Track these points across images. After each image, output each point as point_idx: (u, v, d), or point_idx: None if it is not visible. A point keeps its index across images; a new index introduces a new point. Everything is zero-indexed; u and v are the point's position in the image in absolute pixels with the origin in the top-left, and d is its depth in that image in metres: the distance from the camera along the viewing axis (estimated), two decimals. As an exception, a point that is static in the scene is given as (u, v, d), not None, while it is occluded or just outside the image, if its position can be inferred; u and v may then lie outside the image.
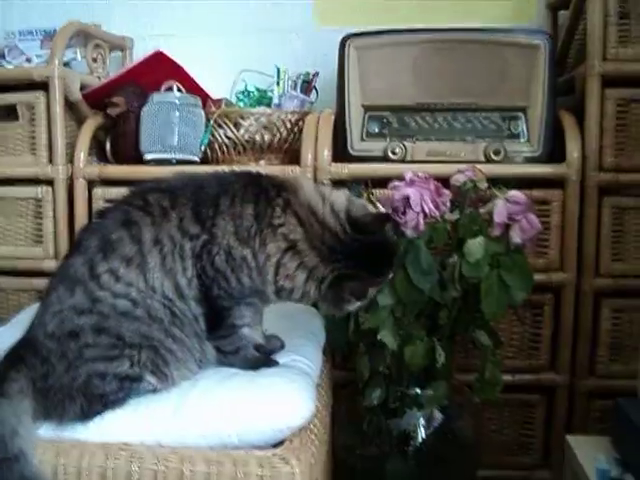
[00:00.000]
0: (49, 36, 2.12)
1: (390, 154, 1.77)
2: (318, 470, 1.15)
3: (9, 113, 1.91)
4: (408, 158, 1.78)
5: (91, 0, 2.25)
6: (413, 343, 1.41)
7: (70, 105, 1.92)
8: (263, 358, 1.28)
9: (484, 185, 1.48)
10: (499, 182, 1.43)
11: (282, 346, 1.36)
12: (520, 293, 1.37)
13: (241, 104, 2.07)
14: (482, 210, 1.42)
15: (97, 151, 2.02)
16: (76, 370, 1.12)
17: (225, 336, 1.24)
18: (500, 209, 1.35)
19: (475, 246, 1.36)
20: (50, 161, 1.89)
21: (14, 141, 1.91)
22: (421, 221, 1.32)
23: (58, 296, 1.16)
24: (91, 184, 1.89)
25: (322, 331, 1.53)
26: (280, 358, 1.30)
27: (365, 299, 1.20)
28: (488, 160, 1.74)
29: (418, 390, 1.50)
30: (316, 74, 2.02)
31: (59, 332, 1.14)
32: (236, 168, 1.33)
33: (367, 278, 1.19)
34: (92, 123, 1.93)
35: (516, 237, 1.36)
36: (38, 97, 1.86)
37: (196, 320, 1.20)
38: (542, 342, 1.77)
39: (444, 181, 1.46)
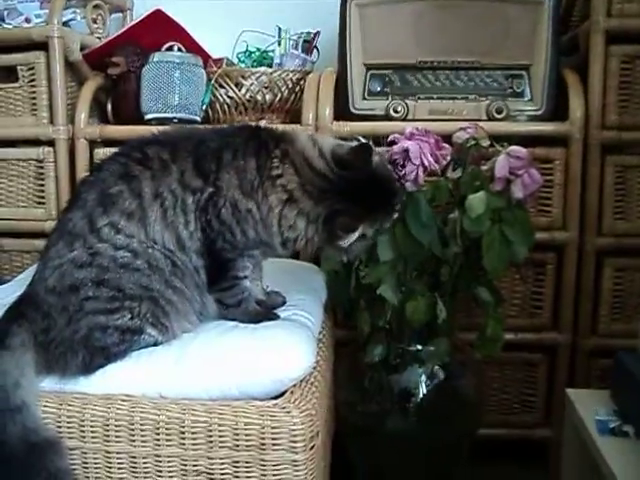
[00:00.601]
0: (48, -3, 2.11)
1: (392, 112, 1.76)
2: (319, 423, 1.15)
3: (9, 74, 1.90)
4: (410, 117, 1.76)
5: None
6: (414, 299, 1.41)
7: (70, 65, 1.91)
8: (264, 311, 1.29)
9: (486, 143, 1.47)
10: (501, 140, 1.42)
11: (283, 302, 1.37)
12: (522, 249, 1.37)
13: (242, 64, 2.05)
14: (484, 167, 1.41)
15: (98, 112, 2.01)
16: (77, 323, 1.13)
17: (227, 288, 1.24)
18: (501, 163, 1.34)
19: (476, 201, 1.35)
20: (51, 122, 1.88)
21: (14, 102, 1.90)
22: (420, 174, 1.31)
23: (57, 250, 1.16)
24: (92, 144, 1.88)
25: (324, 287, 1.53)
26: (281, 313, 1.31)
27: (354, 232, 1.17)
28: (490, 118, 1.72)
29: (419, 347, 1.51)
30: (317, 33, 2.00)
31: (59, 286, 1.14)
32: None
33: (357, 212, 1.18)
34: (92, 84, 1.92)
35: (518, 192, 1.35)
36: (38, 57, 1.84)
37: (197, 272, 1.21)
38: (544, 301, 1.77)
39: (446, 139, 1.45)
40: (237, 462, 1.08)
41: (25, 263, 1.94)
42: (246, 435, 1.07)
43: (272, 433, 1.06)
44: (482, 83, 1.77)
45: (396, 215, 1.27)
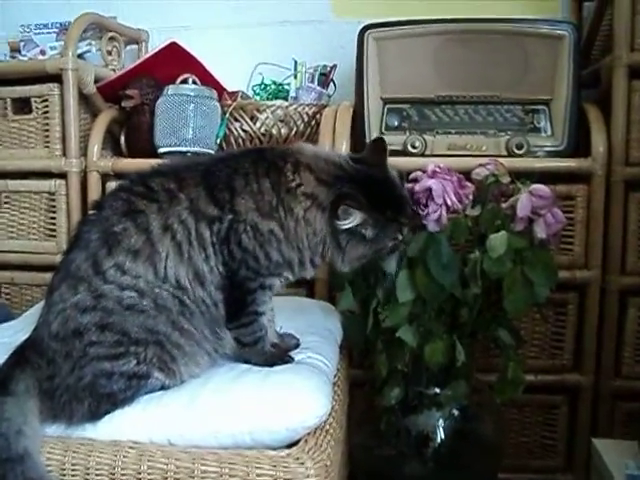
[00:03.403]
0: (64, 29, 2.10)
1: (410, 148, 1.73)
2: (334, 471, 1.11)
3: (23, 106, 1.89)
4: (428, 152, 1.73)
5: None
6: (433, 341, 1.37)
7: (84, 98, 1.89)
8: (279, 354, 1.25)
9: (506, 179, 1.43)
10: (522, 176, 1.39)
11: (297, 344, 1.32)
12: (544, 290, 1.33)
13: (257, 97, 2.03)
14: (504, 204, 1.37)
15: (111, 144, 1.99)
16: (82, 370, 1.09)
17: (246, 324, 1.21)
18: (524, 203, 1.30)
19: (497, 241, 1.31)
20: (64, 154, 1.86)
21: (28, 134, 1.89)
22: (444, 214, 1.27)
23: (61, 294, 1.12)
24: (105, 177, 1.86)
25: (339, 328, 1.49)
26: (296, 355, 1.27)
27: (352, 216, 1.13)
28: (510, 154, 1.69)
29: (437, 390, 1.46)
30: (334, 67, 1.98)
31: (63, 331, 1.11)
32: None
33: (361, 200, 1.14)
34: (106, 116, 1.90)
35: (540, 232, 1.31)
36: (52, 89, 1.83)
37: (215, 306, 1.17)
38: (566, 342, 1.71)
39: (465, 175, 1.42)
40: (248, 515, 1.03)
41: (35, 297, 1.91)
42: (258, 487, 1.02)
43: (285, 485, 1.01)
44: (501, 118, 1.74)
45: (400, 237, 1.21)
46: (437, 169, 1.29)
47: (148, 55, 1.89)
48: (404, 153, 1.73)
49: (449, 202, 1.26)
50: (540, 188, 1.31)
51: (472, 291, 1.35)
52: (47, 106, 1.85)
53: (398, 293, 1.31)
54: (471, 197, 1.34)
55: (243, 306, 1.19)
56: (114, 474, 1.06)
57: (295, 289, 1.73)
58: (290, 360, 1.23)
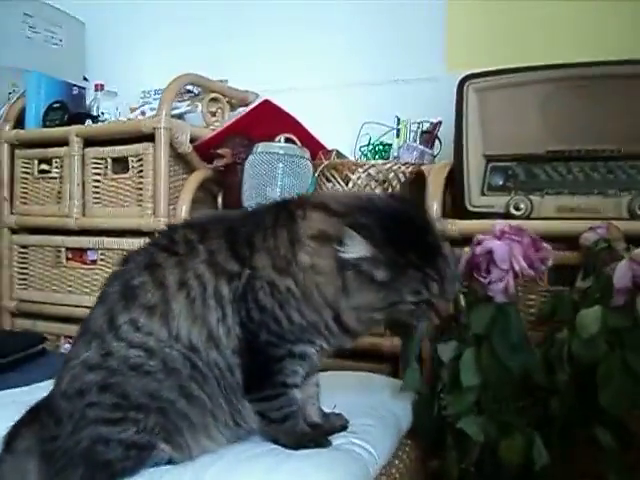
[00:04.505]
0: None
1: (513, 210, 1.50)
2: None
3: (122, 166, 1.91)
4: (534, 215, 1.50)
5: (218, 57, 2.24)
6: (511, 436, 1.13)
7: (181, 157, 1.88)
8: (313, 435, 1.07)
9: (621, 245, 1.20)
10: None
11: (343, 427, 1.13)
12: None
13: (364, 158, 1.93)
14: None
15: (209, 203, 1.96)
16: (79, 433, 0.99)
17: (271, 397, 1.04)
18: (622, 271, 1.06)
19: (589, 317, 1.07)
20: (154, 213, 1.85)
21: (124, 192, 1.91)
22: (511, 282, 1.06)
23: (76, 350, 1.04)
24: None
25: (407, 413, 1.28)
26: (335, 439, 1.08)
27: (356, 246, 0.94)
28: (633, 217, 1.42)
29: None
30: (439, 123, 1.82)
31: (70, 390, 1.01)
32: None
33: (374, 234, 0.95)
34: (198, 175, 1.87)
35: (645, 308, 1.05)
36: (146, 148, 1.84)
37: (230, 371, 1.02)
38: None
39: (573, 241, 1.20)
40: None
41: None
42: None
43: None
44: (624, 175, 1.48)
45: (425, 295, 0.98)
46: (506, 229, 1.08)
47: (241, 114, 1.85)
48: (506, 216, 1.51)
49: (517, 267, 1.04)
50: (643, 253, 1.06)
51: (560, 378, 1.12)
52: (142, 165, 1.86)
53: (462, 375, 1.10)
54: (549, 263, 1.10)
55: (268, 375, 1.03)
56: None
57: (378, 365, 1.55)
58: (325, 444, 1.05)
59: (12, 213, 2.12)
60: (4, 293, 2.11)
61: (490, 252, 1.05)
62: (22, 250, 2.10)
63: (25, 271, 2.09)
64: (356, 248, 0.95)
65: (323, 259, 0.98)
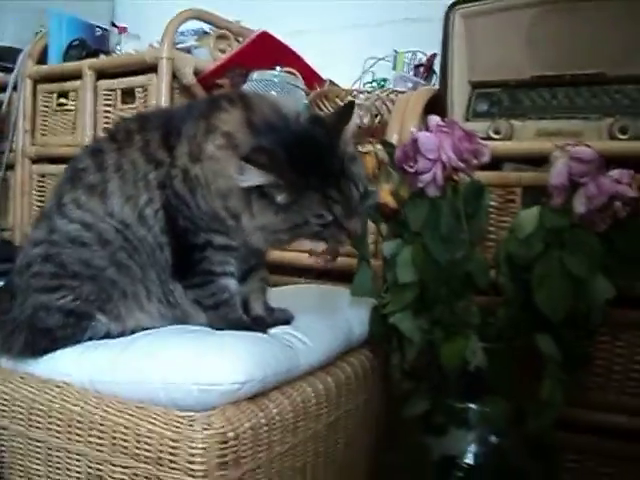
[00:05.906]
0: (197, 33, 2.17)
1: (492, 133, 1.50)
2: (244, 448, 0.92)
3: (130, 97, 1.98)
4: (515, 139, 1.49)
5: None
6: (451, 337, 1.13)
7: (186, 89, 1.93)
8: (248, 322, 1.11)
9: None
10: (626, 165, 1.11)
11: (286, 320, 1.17)
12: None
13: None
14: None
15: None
16: (25, 302, 1.08)
17: (200, 285, 1.09)
18: (559, 168, 1.04)
19: (527, 217, 1.06)
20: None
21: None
22: (439, 173, 1.05)
23: (31, 233, 1.15)
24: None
25: (362, 322, 1.27)
26: (273, 330, 1.12)
27: (251, 170, 0.96)
28: (612, 139, 1.39)
29: (472, 405, 1.20)
30: (434, 55, 1.81)
31: (20, 265, 1.11)
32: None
33: (275, 158, 0.96)
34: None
35: (579, 206, 1.03)
36: (150, 79, 1.89)
37: (160, 249, 1.08)
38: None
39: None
40: (136, 475, 0.90)
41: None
42: (147, 444, 0.89)
43: (170, 447, 0.87)
44: (609, 99, 1.44)
45: (329, 217, 0.99)
46: (440, 123, 1.07)
47: (240, 46, 1.89)
48: (487, 140, 1.49)
49: (444, 158, 1.03)
50: (580, 150, 1.04)
51: (499, 281, 1.11)
52: (146, 96, 1.91)
53: (398, 273, 1.10)
54: (484, 158, 1.09)
55: (195, 263, 1.08)
56: (32, 408, 1.01)
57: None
58: (259, 332, 1.07)
59: (33, 144, 2.22)
60: (25, 219, 2.22)
61: (415, 141, 1.05)
62: (40, 179, 2.21)
63: (43, 199, 2.18)
64: (252, 178, 0.97)
65: (227, 164, 1.02)
